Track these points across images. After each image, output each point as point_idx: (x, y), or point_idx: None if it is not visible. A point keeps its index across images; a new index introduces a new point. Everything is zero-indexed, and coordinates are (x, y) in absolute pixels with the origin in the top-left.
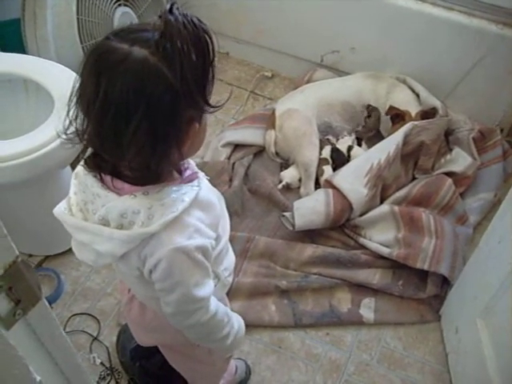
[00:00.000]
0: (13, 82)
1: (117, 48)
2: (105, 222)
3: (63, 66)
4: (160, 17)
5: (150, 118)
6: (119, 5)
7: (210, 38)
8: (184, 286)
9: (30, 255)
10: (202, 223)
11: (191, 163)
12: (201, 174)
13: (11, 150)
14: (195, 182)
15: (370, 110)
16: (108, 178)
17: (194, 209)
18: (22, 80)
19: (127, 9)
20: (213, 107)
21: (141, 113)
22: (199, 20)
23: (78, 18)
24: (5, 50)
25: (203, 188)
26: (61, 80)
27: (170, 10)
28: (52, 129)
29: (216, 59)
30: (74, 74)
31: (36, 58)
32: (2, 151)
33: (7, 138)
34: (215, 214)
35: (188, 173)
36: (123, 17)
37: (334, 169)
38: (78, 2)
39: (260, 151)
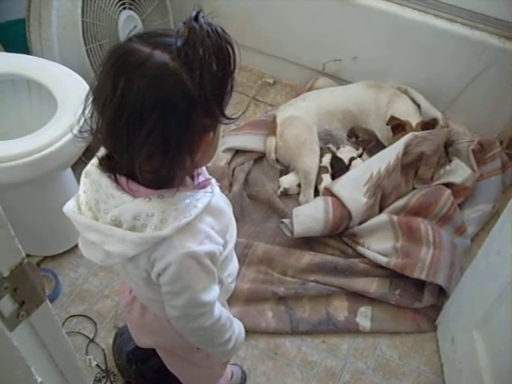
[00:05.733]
0: (16, 82)
1: (138, 50)
2: (117, 223)
3: (66, 68)
4: (185, 23)
5: (164, 123)
6: (124, 8)
7: (233, 50)
8: (191, 290)
9: (28, 255)
10: (213, 229)
11: (203, 169)
12: (213, 181)
13: (13, 151)
14: (208, 189)
15: (352, 132)
16: (123, 180)
17: (206, 215)
18: (25, 80)
19: (132, 12)
20: (228, 118)
21: (155, 116)
22: (223, 30)
23: (82, 21)
24: (9, 50)
25: (216, 195)
26: (64, 81)
27: (196, 18)
28: (54, 130)
29: (236, 71)
30: (77, 76)
31: (39, 59)
32: (3, 151)
33: (9, 138)
34: (225, 220)
35: (201, 179)
36: (127, 20)
37: (333, 177)
38: (84, 4)
39: (260, 157)
